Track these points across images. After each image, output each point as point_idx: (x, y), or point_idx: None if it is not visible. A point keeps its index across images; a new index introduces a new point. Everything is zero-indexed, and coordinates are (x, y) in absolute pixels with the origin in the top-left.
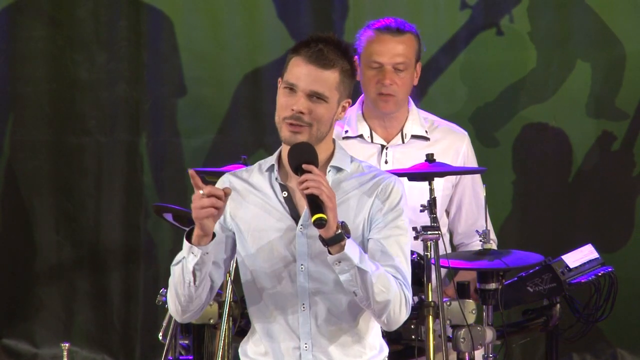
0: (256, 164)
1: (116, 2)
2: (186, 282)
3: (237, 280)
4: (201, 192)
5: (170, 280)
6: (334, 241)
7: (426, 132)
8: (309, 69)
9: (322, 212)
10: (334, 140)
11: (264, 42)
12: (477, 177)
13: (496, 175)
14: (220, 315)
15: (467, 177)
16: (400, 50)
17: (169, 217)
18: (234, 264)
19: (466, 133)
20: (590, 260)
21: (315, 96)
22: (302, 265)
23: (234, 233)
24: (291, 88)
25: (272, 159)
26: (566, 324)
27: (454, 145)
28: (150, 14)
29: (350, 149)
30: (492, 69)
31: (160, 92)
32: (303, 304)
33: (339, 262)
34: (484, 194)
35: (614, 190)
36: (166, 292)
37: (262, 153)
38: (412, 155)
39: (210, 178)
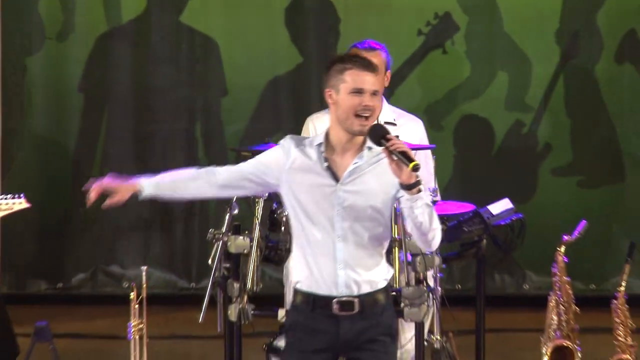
0: (309, 138)
1: (179, 31)
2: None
3: (263, 222)
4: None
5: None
6: (415, 185)
7: (394, 119)
8: (368, 75)
9: (415, 161)
10: None
11: (281, 58)
12: (429, 152)
13: (442, 151)
14: (251, 247)
15: (422, 152)
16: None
17: None
18: (261, 210)
19: (421, 121)
20: (507, 209)
21: (374, 93)
22: (338, 210)
23: (270, 184)
24: (359, 91)
25: (320, 138)
26: (490, 254)
27: (414, 129)
28: (202, 39)
29: None
30: (439, 77)
31: (209, 94)
32: (339, 236)
33: (416, 200)
34: (434, 164)
35: (523, 161)
36: (214, 232)
37: (281, 135)
38: None
39: (245, 153)
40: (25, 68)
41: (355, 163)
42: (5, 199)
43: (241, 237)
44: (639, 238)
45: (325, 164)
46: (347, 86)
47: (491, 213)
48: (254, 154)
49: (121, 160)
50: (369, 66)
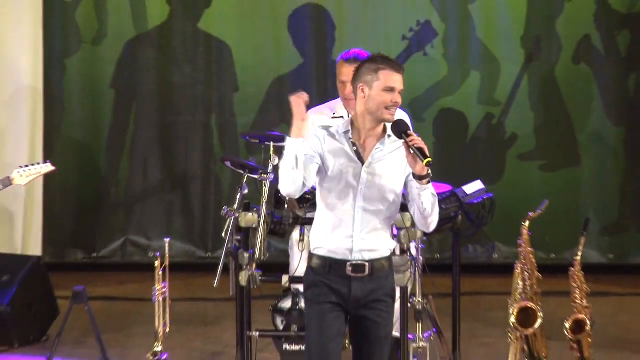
0: (335, 127)
1: (197, 36)
2: (290, 167)
3: (269, 201)
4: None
5: (281, 173)
6: (426, 177)
7: None
8: (399, 76)
9: (429, 157)
10: None
11: (285, 60)
12: None
13: (423, 138)
14: (259, 222)
15: None
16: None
17: (228, 164)
18: (267, 190)
19: (407, 113)
20: (479, 189)
21: (400, 92)
22: (361, 188)
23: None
24: (391, 89)
25: (346, 126)
26: (464, 228)
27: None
28: (217, 43)
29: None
30: (421, 76)
31: (223, 90)
32: (358, 211)
33: (425, 189)
34: None
35: (493, 148)
36: (227, 209)
37: (284, 127)
38: None
39: (254, 140)
40: (64, 68)
41: (378, 148)
42: (33, 165)
43: (250, 214)
44: (593, 214)
45: (354, 148)
46: (380, 84)
47: (465, 193)
48: (262, 142)
49: (147, 147)
50: (399, 68)
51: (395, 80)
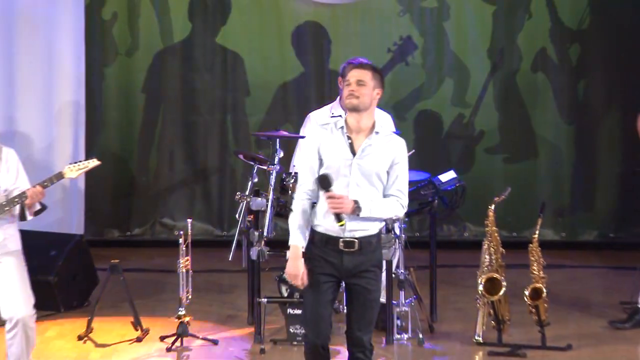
0: (331, 123)
1: (215, 48)
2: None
3: (275, 188)
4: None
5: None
6: (355, 218)
7: None
8: (354, 70)
9: (342, 221)
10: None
11: (288, 68)
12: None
13: (405, 136)
14: (267, 206)
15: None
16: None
17: (241, 156)
18: (274, 179)
19: (389, 114)
20: (452, 178)
21: (359, 83)
22: (352, 176)
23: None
24: (348, 82)
25: (342, 122)
26: (440, 210)
27: (385, 120)
28: (231, 54)
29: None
30: (403, 82)
31: (236, 94)
32: (350, 196)
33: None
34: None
35: (464, 142)
36: (240, 194)
37: (288, 125)
38: None
39: (263, 138)
40: (103, 75)
41: (367, 143)
42: (82, 161)
43: (260, 198)
44: (548, 199)
45: (349, 142)
46: (345, 80)
47: (440, 181)
48: (270, 138)
49: (172, 142)
50: (357, 64)
51: (352, 74)
